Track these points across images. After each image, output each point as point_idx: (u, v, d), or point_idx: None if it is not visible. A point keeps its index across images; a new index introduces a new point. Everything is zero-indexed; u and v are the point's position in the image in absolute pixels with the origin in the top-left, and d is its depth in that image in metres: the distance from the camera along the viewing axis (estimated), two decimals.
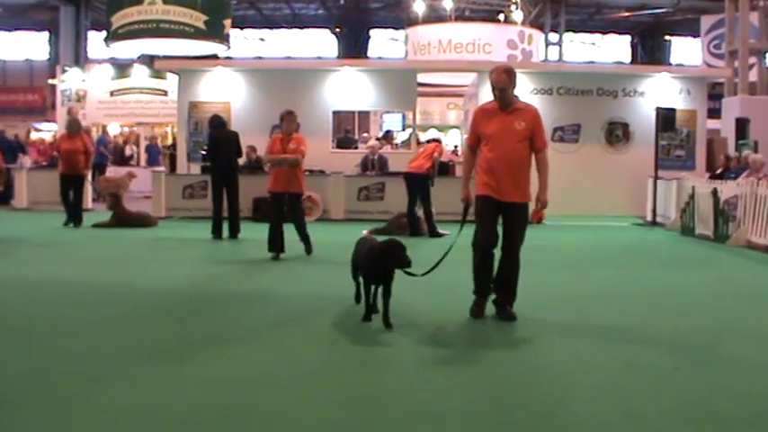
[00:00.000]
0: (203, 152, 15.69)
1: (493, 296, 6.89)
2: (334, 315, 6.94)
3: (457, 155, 23.39)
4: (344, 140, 20.08)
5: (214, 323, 6.65)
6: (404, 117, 23.80)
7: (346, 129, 21.48)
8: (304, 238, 11.05)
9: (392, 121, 25.47)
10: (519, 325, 6.54)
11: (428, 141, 15.98)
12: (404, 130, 23.93)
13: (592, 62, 38.32)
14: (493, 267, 6.81)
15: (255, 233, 13.81)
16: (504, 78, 6.62)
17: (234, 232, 13.09)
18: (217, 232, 13.04)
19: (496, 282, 6.82)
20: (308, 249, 11.03)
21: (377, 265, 6.27)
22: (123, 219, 14.96)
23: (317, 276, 9.35)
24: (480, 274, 6.82)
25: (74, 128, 15.72)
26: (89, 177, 16.27)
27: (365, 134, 22.15)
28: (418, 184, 13.80)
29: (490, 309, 6.87)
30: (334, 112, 19.09)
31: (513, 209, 6.72)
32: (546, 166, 6.84)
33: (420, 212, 13.95)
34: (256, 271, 9.79)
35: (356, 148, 19.66)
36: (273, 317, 6.90)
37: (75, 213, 15.05)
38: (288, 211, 10.89)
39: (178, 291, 8.29)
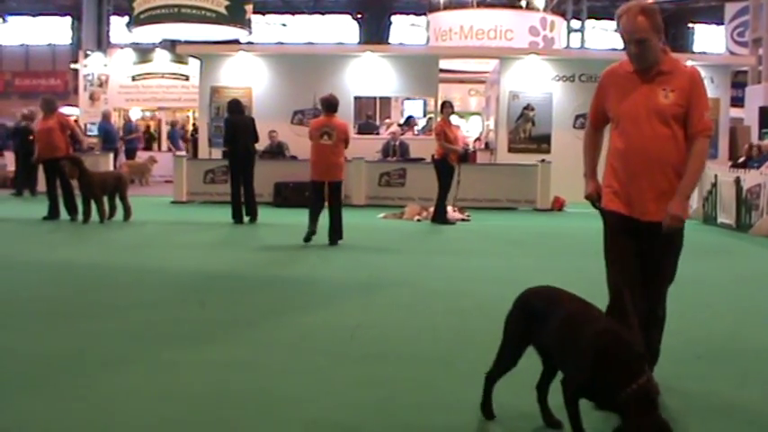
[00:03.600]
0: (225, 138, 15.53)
1: None
2: (355, 301, 6.96)
3: (480, 141, 23.29)
4: (366, 126, 20.04)
5: (235, 307, 6.66)
6: (425, 103, 23.64)
7: (367, 114, 21.39)
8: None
9: (413, 108, 25.35)
10: None
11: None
12: (425, 116, 23.81)
13: (614, 49, 38.01)
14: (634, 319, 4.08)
15: (277, 217, 13.88)
16: (642, 23, 4.14)
17: (252, 216, 13.16)
18: (237, 216, 13.10)
19: None
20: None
21: None
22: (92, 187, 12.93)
23: (339, 261, 9.38)
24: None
25: (47, 107, 13.59)
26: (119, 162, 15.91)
27: (387, 120, 22.11)
28: (436, 170, 13.76)
29: None
30: (356, 98, 19.07)
31: (655, 232, 4.14)
32: (699, 160, 4.14)
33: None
34: (277, 256, 9.81)
35: (377, 133, 19.63)
36: (294, 302, 6.92)
37: (67, 203, 13.22)
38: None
39: (199, 274, 8.32)
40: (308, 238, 10.48)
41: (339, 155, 10.90)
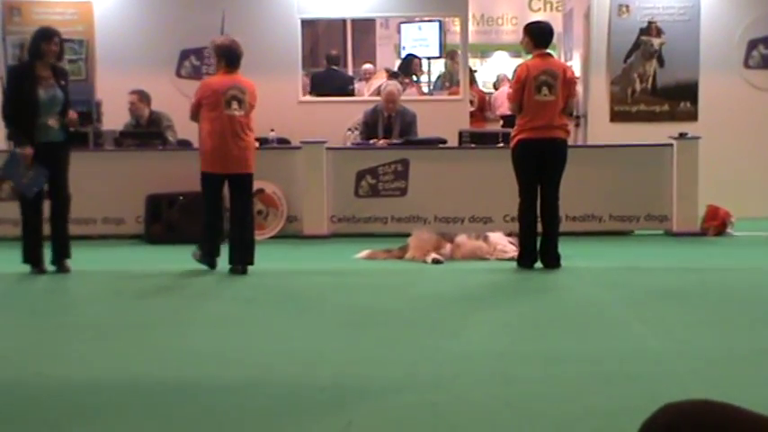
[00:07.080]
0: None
1: None
2: (311, 426, 6.95)
3: None
4: (326, 79, 20.08)
5: None
6: (441, 29, 23.67)
7: (330, 56, 21.40)
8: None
9: (419, 39, 25.35)
10: None
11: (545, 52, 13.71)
12: (443, 56, 23.84)
13: None
14: None
15: (148, 263, 13.91)
16: None
17: (61, 256, 13.32)
18: (33, 259, 13.24)
19: None
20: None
21: None
22: None
23: (280, 347, 9.35)
24: None
25: None
26: None
27: (367, 65, 22.20)
28: (560, 160, 13.20)
29: None
30: (305, 23, 19.20)
31: None
32: None
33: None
34: (145, 337, 9.82)
35: (351, 92, 19.67)
36: None
37: None
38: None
39: None
40: (212, 263, 12.54)
41: (251, 133, 12.91)
